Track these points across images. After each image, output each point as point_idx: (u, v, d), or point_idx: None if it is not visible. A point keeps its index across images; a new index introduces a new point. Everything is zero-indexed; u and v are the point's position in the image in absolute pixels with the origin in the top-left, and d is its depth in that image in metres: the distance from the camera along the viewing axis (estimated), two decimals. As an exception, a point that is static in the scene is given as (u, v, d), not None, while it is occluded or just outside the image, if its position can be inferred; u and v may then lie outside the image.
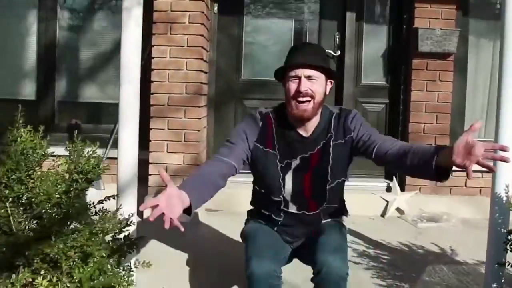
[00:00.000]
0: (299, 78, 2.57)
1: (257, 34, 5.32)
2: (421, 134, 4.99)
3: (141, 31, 3.00)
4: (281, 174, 2.70)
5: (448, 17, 4.95)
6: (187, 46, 4.59)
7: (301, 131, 2.70)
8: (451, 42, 4.87)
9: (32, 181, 2.42)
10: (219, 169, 2.56)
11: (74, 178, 2.51)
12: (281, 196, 2.73)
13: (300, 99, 2.57)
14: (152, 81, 4.65)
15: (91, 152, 2.55)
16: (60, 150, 2.48)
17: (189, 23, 4.59)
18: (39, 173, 2.48)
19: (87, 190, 2.80)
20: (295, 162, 2.70)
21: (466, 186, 5.03)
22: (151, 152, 4.68)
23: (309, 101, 2.58)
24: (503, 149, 2.12)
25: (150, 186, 4.69)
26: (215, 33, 5.17)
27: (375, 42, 5.30)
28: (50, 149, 2.43)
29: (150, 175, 4.69)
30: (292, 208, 2.75)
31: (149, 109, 4.64)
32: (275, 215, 2.79)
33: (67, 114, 5.31)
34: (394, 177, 5.00)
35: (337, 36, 5.21)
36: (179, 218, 2.11)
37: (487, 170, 2.16)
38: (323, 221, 2.82)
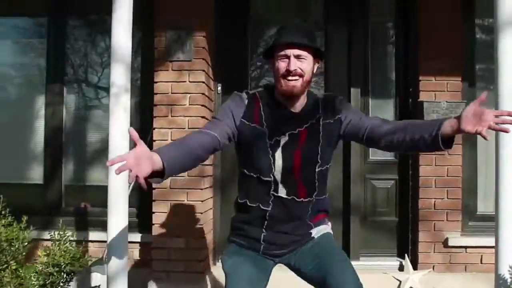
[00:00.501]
0: (289, 57, 2.63)
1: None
2: (432, 210, 4.84)
3: (128, 116, 2.99)
4: (271, 151, 2.69)
5: (454, 89, 4.87)
6: (188, 128, 4.56)
7: (289, 108, 2.74)
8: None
9: (6, 275, 2.37)
10: (201, 140, 2.57)
11: (50, 271, 2.46)
12: (271, 175, 2.69)
13: (290, 77, 2.63)
14: (154, 164, 4.61)
15: (67, 244, 2.51)
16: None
17: (189, 104, 4.58)
18: (14, 267, 2.43)
19: (69, 281, 2.74)
20: (283, 139, 2.70)
21: (481, 262, 4.83)
22: (154, 235, 4.61)
23: (298, 79, 2.64)
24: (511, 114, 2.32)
25: (155, 271, 4.59)
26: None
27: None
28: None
29: (153, 260, 4.60)
30: (282, 192, 2.70)
31: (151, 192, 4.60)
32: (264, 204, 2.73)
33: (74, 197, 5.28)
34: (406, 255, 4.85)
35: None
36: (153, 181, 2.29)
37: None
38: (313, 231, 2.79)
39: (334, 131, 2.76)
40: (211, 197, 5.00)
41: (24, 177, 5.37)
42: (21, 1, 5.33)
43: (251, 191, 2.77)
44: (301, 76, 2.64)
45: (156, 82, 4.65)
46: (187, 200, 4.58)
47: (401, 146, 2.64)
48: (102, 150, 5.21)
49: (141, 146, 2.21)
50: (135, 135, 2.21)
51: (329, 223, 2.96)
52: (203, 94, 4.62)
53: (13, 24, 5.47)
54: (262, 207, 2.73)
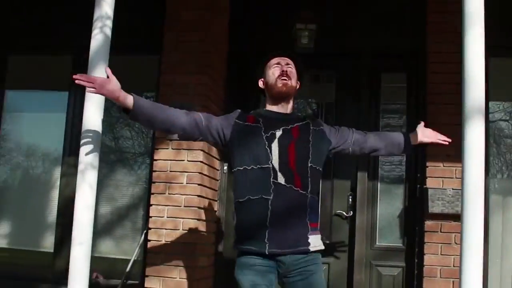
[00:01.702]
0: (280, 64, 3.19)
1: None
2: (437, 302, 4.62)
3: (94, 193, 3.04)
4: (267, 142, 3.02)
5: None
6: (184, 206, 4.60)
7: (280, 110, 3.18)
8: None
9: None
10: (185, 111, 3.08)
11: None
12: (269, 163, 2.97)
13: (283, 78, 3.12)
14: (149, 240, 4.66)
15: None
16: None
17: (186, 183, 4.63)
18: None
19: None
20: (278, 132, 3.05)
21: None
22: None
23: (289, 80, 3.14)
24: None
25: None
26: (224, 191, 5.18)
27: (390, 202, 5.12)
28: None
29: None
30: (281, 179, 2.95)
31: (145, 268, 4.63)
32: (266, 194, 2.93)
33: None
34: None
35: (350, 196, 5.07)
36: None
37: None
38: (310, 237, 2.97)
39: (322, 138, 3.18)
40: (210, 277, 4.96)
41: (35, 244, 5.51)
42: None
43: (252, 183, 2.99)
44: (291, 78, 3.15)
45: (156, 160, 4.73)
46: (179, 278, 4.57)
47: (382, 155, 3.47)
48: (113, 221, 5.33)
49: (113, 80, 2.81)
50: (109, 71, 2.83)
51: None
52: (200, 173, 4.65)
53: (33, 97, 5.75)
54: (264, 196, 2.93)
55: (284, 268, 2.96)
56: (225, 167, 5.16)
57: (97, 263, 5.31)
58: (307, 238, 2.97)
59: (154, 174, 4.72)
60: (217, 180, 5.11)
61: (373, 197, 5.09)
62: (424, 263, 4.70)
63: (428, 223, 4.73)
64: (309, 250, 2.97)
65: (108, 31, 3.06)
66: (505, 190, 5.07)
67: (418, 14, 5.04)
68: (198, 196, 4.64)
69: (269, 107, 3.21)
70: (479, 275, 2.72)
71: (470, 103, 2.79)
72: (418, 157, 4.94)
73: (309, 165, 3.03)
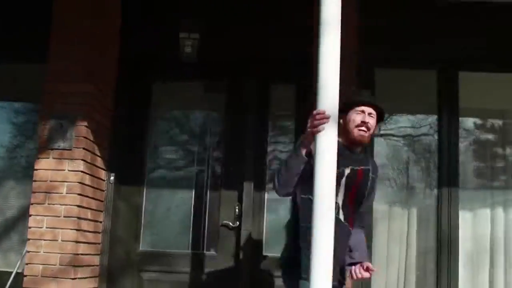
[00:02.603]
0: (364, 113, 3.24)
1: (157, 203, 5.26)
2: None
3: None
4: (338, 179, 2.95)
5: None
6: (64, 217, 4.53)
7: (352, 148, 3.29)
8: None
9: None
10: None
11: None
12: (336, 199, 2.81)
13: (363, 128, 3.21)
14: (28, 251, 4.55)
15: None
16: None
17: (66, 193, 4.55)
18: None
19: None
20: (346, 171, 3.18)
21: None
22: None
23: (366, 132, 3.24)
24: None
25: None
26: (111, 201, 5.13)
27: (278, 212, 5.16)
28: None
29: None
30: (341, 216, 3.15)
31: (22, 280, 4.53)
32: None
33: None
34: None
35: (237, 207, 5.09)
36: None
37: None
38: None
39: (373, 188, 3.37)
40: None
41: None
42: None
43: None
44: (369, 130, 3.24)
45: (37, 170, 4.64)
46: (56, 290, 4.48)
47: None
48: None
49: None
50: None
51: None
52: (81, 183, 4.59)
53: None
54: None
55: None
56: (112, 178, 5.10)
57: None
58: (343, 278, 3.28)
59: (34, 184, 4.62)
60: (103, 191, 5.04)
61: (259, 207, 5.11)
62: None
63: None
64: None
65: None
66: (391, 200, 5.23)
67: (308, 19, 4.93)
68: (78, 206, 4.57)
69: (343, 142, 3.23)
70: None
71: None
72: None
73: (359, 210, 3.31)
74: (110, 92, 5.13)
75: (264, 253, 5.07)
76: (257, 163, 5.15)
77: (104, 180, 5.08)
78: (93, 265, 4.87)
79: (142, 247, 5.17)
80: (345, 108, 3.23)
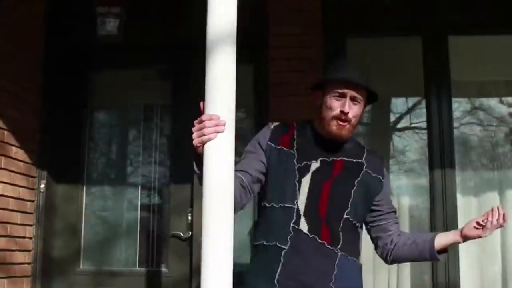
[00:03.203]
0: (345, 97, 2.38)
1: (98, 214, 4.50)
2: None
3: None
4: (298, 176, 2.37)
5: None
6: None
7: (329, 136, 2.44)
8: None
9: None
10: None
11: None
12: (295, 203, 2.33)
13: (341, 122, 2.37)
14: None
15: None
16: None
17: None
18: None
19: None
20: (314, 165, 2.40)
21: None
22: None
23: (347, 125, 2.39)
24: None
25: None
26: (43, 212, 4.35)
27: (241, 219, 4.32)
28: None
29: None
30: (303, 226, 2.33)
31: None
32: (281, 242, 2.33)
33: None
34: None
35: (190, 214, 4.26)
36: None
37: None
38: None
39: (372, 189, 2.47)
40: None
41: None
42: None
43: (270, 226, 2.39)
44: (349, 122, 2.38)
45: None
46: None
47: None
48: None
49: None
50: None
51: None
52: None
53: None
54: (278, 245, 2.33)
55: None
56: (42, 186, 4.35)
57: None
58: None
59: None
60: (33, 201, 4.31)
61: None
62: None
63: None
64: None
65: None
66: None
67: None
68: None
69: (317, 128, 2.48)
70: None
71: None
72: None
73: (345, 216, 2.37)
74: (35, 87, 4.40)
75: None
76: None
77: (34, 189, 4.34)
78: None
79: (84, 265, 4.40)
80: (322, 84, 2.48)
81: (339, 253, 2.33)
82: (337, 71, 2.46)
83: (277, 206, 2.37)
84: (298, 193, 2.34)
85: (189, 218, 4.23)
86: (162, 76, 4.54)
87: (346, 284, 2.33)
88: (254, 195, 2.43)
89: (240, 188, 2.32)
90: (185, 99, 4.36)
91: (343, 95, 2.36)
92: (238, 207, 2.27)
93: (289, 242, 2.31)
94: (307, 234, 2.31)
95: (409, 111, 4.50)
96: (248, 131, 4.33)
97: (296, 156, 2.40)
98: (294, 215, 2.33)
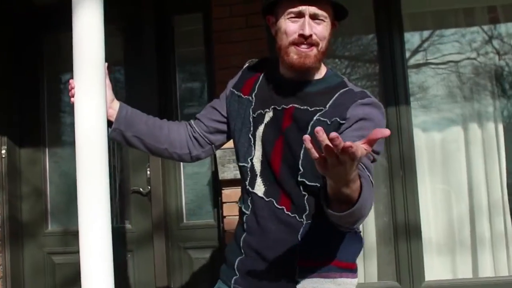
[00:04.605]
0: (302, 16, 1.89)
1: (60, 173, 4.47)
2: None
3: None
4: (252, 129, 2.02)
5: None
6: None
7: (294, 75, 1.98)
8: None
9: None
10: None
11: None
12: (249, 160, 2.01)
13: (303, 46, 1.89)
14: None
15: None
16: None
17: None
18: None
19: None
20: (268, 114, 2.00)
21: None
22: None
23: (312, 49, 1.90)
24: None
25: None
26: (5, 177, 4.35)
27: (197, 171, 4.28)
28: None
29: None
30: (259, 189, 1.98)
31: None
32: (244, 206, 2.04)
33: None
34: None
35: (148, 169, 4.22)
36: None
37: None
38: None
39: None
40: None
41: None
42: None
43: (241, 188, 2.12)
44: (316, 44, 1.90)
45: None
46: None
47: None
48: None
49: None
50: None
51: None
52: None
53: None
54: (243, 209, 2.05)
55: None
56: (3, 151, 4.37)
57: None
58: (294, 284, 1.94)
59: None
60: (-3, 168, 4.35)
61: (174, 168, 4.24)
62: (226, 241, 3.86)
63: (225, 192, 3.87)
64: None
65: None
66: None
67: None
68: None
69: (281, 65, 2.03)
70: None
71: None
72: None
73: (299, 179, 1.91)
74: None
75: (185, 221, 4.22)
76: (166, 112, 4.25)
77: (-5, 154, 4.37)
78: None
79: (51, 227, 4.44)
80: (269, 6, 2.00)
81: (304, 222, 1.92)
82: None
83: (239, 164, 2.07)
84: (253, 148, 2.00)
85: (148, 173, 4.19)
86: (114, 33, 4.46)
87: (320, 260, 1.93)
88: (214, 146, 2.22)
89: (188, 138, 2.18)
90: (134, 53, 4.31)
91: (300, 15, 1.89)
92: (186, 157, 2.19)
93: (250, 206, 2.01)
94: (262, 198, 1.97)
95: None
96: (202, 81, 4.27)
97: (252, 104, 2.05)
98: (249, 173, 2.01)
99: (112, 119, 2.12)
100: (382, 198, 3.95)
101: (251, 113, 2.02)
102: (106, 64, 2.04)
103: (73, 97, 2.00)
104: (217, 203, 4.10)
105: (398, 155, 3.89)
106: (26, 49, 4.47)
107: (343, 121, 1.85)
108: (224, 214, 3.85)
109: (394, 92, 3.90)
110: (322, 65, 2.01)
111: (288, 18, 1.90)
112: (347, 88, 1.94)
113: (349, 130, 1.83)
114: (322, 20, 1.90)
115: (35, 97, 4.47)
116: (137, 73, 4.27)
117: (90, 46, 1.95)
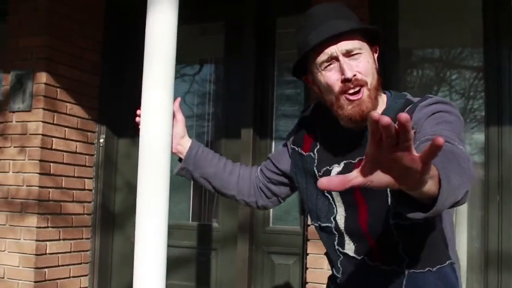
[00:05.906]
0: (336, 60, 1.68)
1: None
2: None
3: None
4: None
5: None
6: (27, 186, 4.06)
7: (354, 125, 1.75)
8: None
9: None
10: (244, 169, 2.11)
11: None
12: (332, 220, 1.82)
13: (351, 91, 1.67)
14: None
15: None
16: None
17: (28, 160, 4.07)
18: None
19: None
20: (336, 169, 1.79)
21: None
22: None
23: (360, 90, 1.68)
24: None
25: None
26: (102, 167, 4.51)
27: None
28: None
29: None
30: (349, 248, 1.80)
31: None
32: (335, 269, 1.88)
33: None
34: None
35: (238, 169, 4.20)
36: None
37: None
38: None
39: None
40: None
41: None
42: None
43: (326, 250, 1.94)
44: (365, 84, 1.68)
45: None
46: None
47: None
48: None
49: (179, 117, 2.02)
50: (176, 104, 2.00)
51: None
52: (42, 147, 4.07)
53: None
54: (334, 272, 1.90)
55: None
56: (102, 140, 4.50)
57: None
58: None
59: None
60: (92, 156, 4.47)
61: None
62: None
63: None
64: None
65: None
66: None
67: None
68: (39, 173, 4.05)
69: (342, 121, 1.80)
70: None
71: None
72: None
73: (393, 222, 1.70)
74: (94, 46, 4.52)
75: (271, 225, 4.20)
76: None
77: (93, 144, 4.51)
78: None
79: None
80: (299, 68, 1.82)
81: (406, 271, 1.72)
82: (309, 33, 1.71)
83: (316, 224, 1.89)
84: (333, 206, 1.81)
85: (239, 175, 4.18)
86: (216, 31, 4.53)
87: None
88: (280, 198, 2.08)
89: (255, 188, 2.07)
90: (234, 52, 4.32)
91: (333, 59, 1.68)
92: (253, 205, 2.09)
93: (340, 269, 1.85)
94: (355, 257, 1.79)
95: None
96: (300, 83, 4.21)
97: (315, 161, 1.86)
98: (336, 234, 1.82)
99: (182, 156, 2.05)
100: (476, 222, 3.73)
101: (315, 171, 1.84)
102: (179, 98, 1.99)
103: (138, 125, 1.95)
104: (304, 211, 4.02)
105: (497, 178, 3.65)
106: (128, 42, 4.58)
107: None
108: (309, 222, 3.77)
109: (498, 110, 3.66)
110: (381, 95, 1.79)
111: (323, 70, 1.70)
112: (411, 105, 1.72)
113: (423, 129, 1.60)
114: (358, 53, 1.68)
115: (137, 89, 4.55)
116: (236, 71, 4.28)
117: (161, 46, 1.88)
